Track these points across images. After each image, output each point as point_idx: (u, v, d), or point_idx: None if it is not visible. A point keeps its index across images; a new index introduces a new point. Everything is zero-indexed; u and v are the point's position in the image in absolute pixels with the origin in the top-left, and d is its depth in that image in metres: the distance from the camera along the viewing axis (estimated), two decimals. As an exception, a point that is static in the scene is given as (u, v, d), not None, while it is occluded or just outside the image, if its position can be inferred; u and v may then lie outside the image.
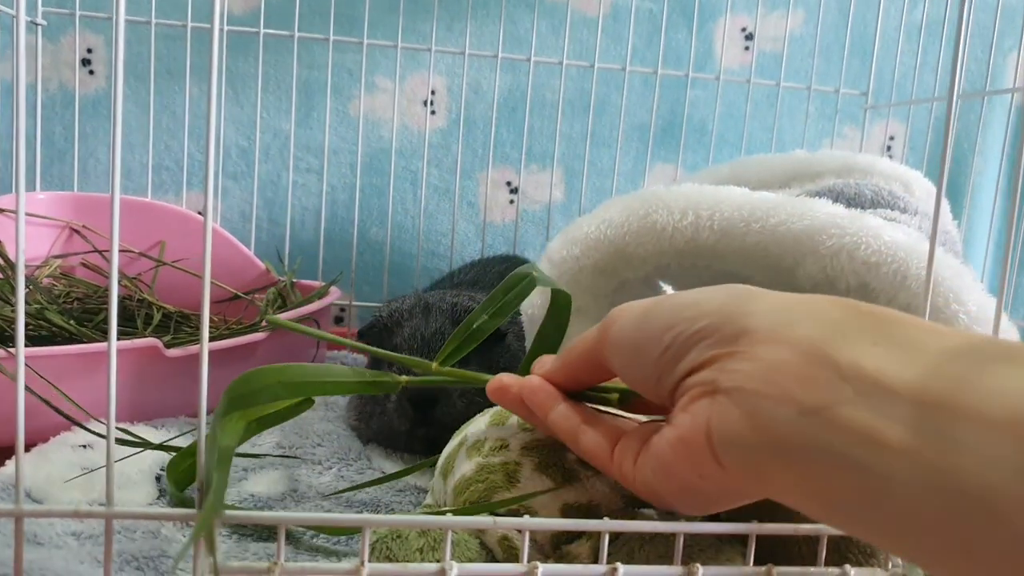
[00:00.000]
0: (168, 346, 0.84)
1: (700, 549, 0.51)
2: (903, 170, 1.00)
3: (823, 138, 1.37)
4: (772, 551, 0.54)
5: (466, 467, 0.59)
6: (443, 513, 0.53)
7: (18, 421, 0.41)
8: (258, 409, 0.61)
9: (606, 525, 0.47)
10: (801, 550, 0.53)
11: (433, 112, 1.34)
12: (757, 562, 0.48)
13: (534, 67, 1.26)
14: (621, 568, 0.45)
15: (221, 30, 1.17)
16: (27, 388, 0.61)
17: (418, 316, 0.84)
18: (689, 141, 1.36)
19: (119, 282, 1.07)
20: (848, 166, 1.01)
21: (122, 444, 0.63)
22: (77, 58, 1.23)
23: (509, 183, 1.37)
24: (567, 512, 0.56)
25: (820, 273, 0.69)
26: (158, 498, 0.68)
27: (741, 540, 0.52)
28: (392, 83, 1.30)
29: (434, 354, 0.73)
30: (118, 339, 0.83)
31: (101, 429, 0.73)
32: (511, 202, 1.37)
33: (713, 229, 0.73)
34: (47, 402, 0.67)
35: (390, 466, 0.79)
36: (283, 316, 0.95)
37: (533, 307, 0.82)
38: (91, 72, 1.27)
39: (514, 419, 0.61)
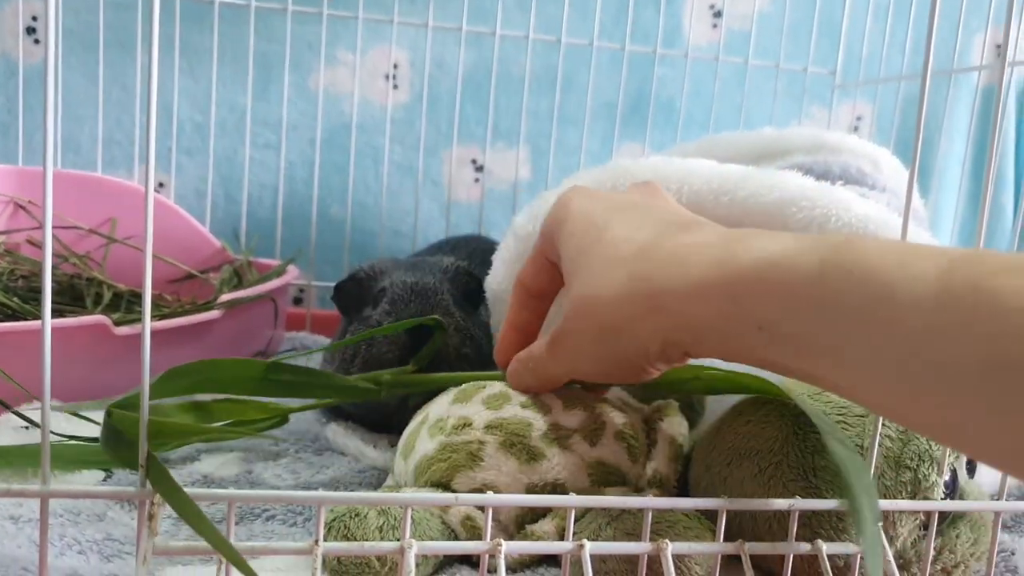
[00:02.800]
0: (118, 324, 0.80)
1: (668, 525, 0.49)
2: (872, 148, 1.00)
3: (791, 118, 1.37)
4: (741, 527, 0.53)
5: (428, 446, 0.57)
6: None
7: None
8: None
9: (572, 500, 0.45)
10: (771, 527, 0.52)
11: (396, 87, 1.30)
12: (727, 539, 0.46)
13: (500, 41, 1.23)
14: (588, 544, 0.43)
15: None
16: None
17: (404, 267, 0.80)
18: (657, 120, 1.35)
19: (67, 260, 1.03)
20: (817, 143, 1.00)
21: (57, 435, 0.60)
22: (21, 26, 1.17)
23: (474, 161, 1.34)
24: (532, 492, 0.54)
25: (790, 247, 0.67)
26: (105, 479, 0.65)
27: (711, 516, 0.50)
28: (353, 56, 1.26)
29: (424, 305, 0.71)
30: (66, 318, 0.80)
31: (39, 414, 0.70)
32: (476, 180, 1.34)
33: (681, 202, 0.71)
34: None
35: (351, 444, 0.77)
36: (239, 294, 0.92)
37: (497, 283, 0.80)
38: (36, 41, 1.22)
39: (478, 397, 0.59)
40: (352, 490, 0.66)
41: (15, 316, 0.80)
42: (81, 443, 0.61)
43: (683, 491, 0.59)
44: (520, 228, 0.78)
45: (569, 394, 0.59)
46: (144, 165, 1.22)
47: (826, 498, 0.49)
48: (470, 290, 0.83)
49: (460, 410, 0.58)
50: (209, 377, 0.59)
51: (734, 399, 0.60)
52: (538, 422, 0.56)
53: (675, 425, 0.60)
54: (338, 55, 1.28)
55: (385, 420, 0.79)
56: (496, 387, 0.60)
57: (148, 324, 0.38)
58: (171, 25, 1.18)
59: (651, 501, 0.46)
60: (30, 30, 1.21)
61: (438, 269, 0.81)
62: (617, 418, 0.58)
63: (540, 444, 0.55)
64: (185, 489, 0.40)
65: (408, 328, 0.70)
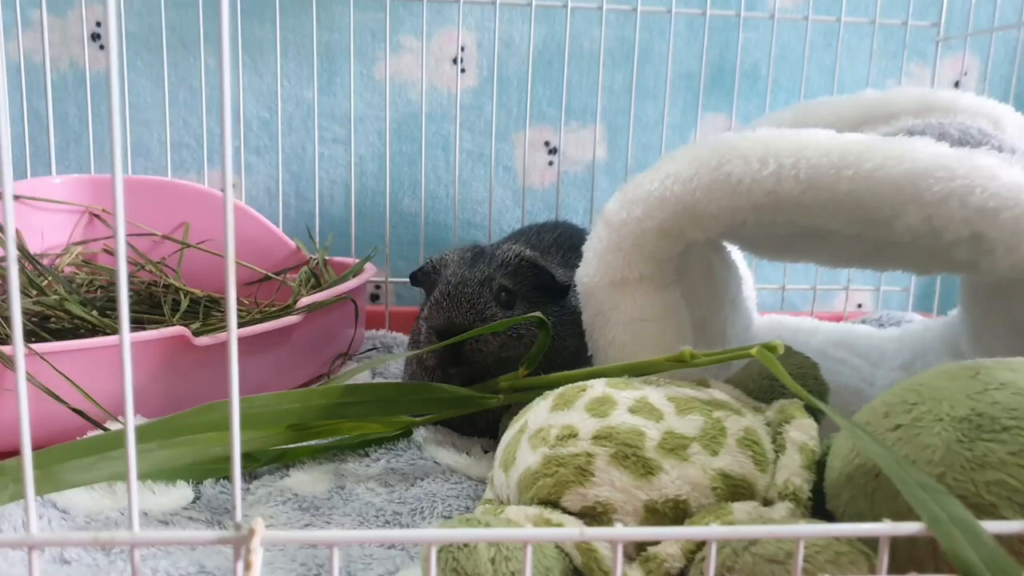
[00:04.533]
0: (197, 334, 0.77)
1: (817, 550, 0.43)
2: (990, 105, 0.90)
3: (887, 77, 1.27)
4: (896, 550, 0.46)
5: (531, 459, 0.52)
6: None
7: (22, 434, 0.35)
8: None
9: (714, 532, 0.39)
10: (936, 551, 0.45)
11: (463, 70, 1.25)
12: (892, 570, 0.40)
13: (571, 14, 1.16)
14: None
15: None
16: (43, 388, 0.54)
17: (462, 262, 0.79)
18: (742, 88, 1.26)
19: (143, 267, 1.02)
20: (926, 104, 0.91)
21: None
22: (86, 32, 1.16)
23: (547, 143, 1.28)
24: (651, 510, 0.49)
25: (924, 224, 0.60)
26: (194, 501, 0.62)
27: (870, 544, 0.44)
28: (418, 41, 1.21)
29: (455, 311, 0.73)
30: (144, 327, 0.78)
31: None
32: (550, 164, 1.28)
33: (798, 179, 0.64)
34: (61, 400, 0.61)
35: (444, 454, 0.73)
36: (318, 296, 0.88)
37: (589, 276, 0.74)
38: (102, 47, 1.20)
39: (580, 402, 0.54)
40: (450, 505, 0.62)
41: (95, 330, 0.78)
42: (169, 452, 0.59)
43: (818, 502, 0.52)
44: (613, 216, 0.73)
45: (681, 394, 0.54)
46: (215, 169, 1.21)
47: (1005, 518, 0.42)
48: (541, 283, 0.78)
49: (562, 418, 0.53)
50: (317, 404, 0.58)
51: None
52: (651, 430, 0.51)
53: (805, 428, 0.53)
54: (403, 41, 1.23)
55: (473, 422, 0.75)
56: (598, 389, 0.55)
57: (235, 368, 0.34)
58: (232, 20, 1.15)
59: (802, 529, 0.40)
60: (95, 36, 1.20)
61: (497, 264, 0.77)
62: (738, 422, 0.52)
63: (656, 456, 0.49)
64: (287, 533, 0.35)
65: (439, 336, 0.72)
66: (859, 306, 1.38)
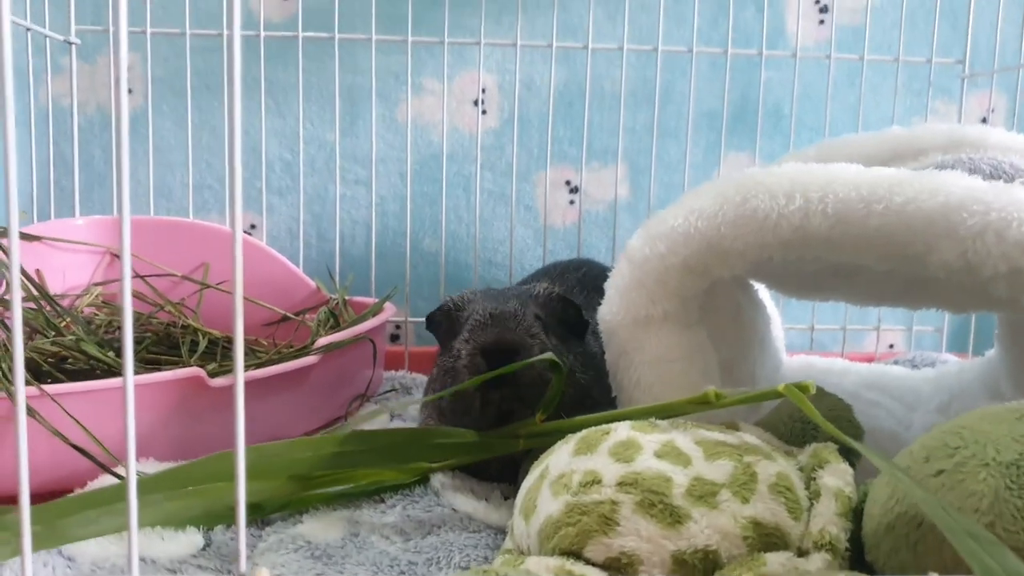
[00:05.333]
0: (213, 375, 0.76)
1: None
2: (1022, 139, 0.88)
3: (912, 115, 1.25)
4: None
5: (552, 507, 0.50)
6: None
7: (21, 483, 0.33)
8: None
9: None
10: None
11: (484, 112, 1.26)
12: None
13: (591, 56, 1.16)
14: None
15: (238, 35, 1.11)
16: (52, 429, 0.53)
17: (491, 296, 0.76)
18: (764, 127, 1.25)
19: (163, 308, 1.01)
20: (955, 140, 0.90)
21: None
22: (112, 77, 1.18)
23: (568, 182, 1.28)
24: (680, 561, 0.46)
25: (958, 259, 0.58)
26: (204, 548, 0.61)
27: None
28: (440, 83, 1.22)
29: (502, 328, 0.68)
30: (161, 368, 0.77)
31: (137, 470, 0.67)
32: (572, 203, 1.28)
33: (826, 214, 0.62)
34: (72, 444, 0.60)
35: (461, 500, 0.70)
36: (336, 336, 0.87)
37: (612, 313, 0.72)
38: (129, 91, 1.22)
39: (603, 446, 0.52)
40: (468, 555, 0.60)
41: (111, 372, 0.77)
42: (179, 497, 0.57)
43: (856, 553, 0.49)
44: (635, 252, 0.71)
45: (709, 438, 0.51)
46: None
47: (1063, 572, 0.39)
48: (567, 318, 0.77)
49: (585, 463, 0.51)
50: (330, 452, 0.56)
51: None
52: (678, 476, 0.48)
53: (840, 473, 0.51)
54: (424, 83, 1.24)
55: (492, 466, 0.73)
56: (622, 432, 0.53)
57: (241, 381, 0.32)
58: (256, 64, 1.16)
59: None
60: (122, 81, 1.21)
61: (527, 296, 0.75)
62: (769, 467, 0.50)
63: (684, 503, 0.47)
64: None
65: (485, 353, 0.67)
66: (890, 346, 1.34)
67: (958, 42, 1.20)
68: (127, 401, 0.35)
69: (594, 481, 0.49)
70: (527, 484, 0.55)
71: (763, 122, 1.24)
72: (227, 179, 1.22)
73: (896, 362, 1.17)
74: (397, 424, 0.97)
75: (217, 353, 0.93)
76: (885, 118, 1.21)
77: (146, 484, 0.58)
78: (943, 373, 1.03)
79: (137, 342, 0.93)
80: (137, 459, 0.72)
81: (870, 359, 1.21)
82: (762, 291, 0.95)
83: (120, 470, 0.67)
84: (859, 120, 1.20)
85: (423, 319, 1.22)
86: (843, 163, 0.66)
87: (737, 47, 1.18)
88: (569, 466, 0.52)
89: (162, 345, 0.95)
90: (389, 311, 1.05)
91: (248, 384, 0.78)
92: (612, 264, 1.11)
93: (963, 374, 1.00)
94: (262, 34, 1.15)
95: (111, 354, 0.78)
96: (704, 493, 0.48)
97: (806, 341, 1.28)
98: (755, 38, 1.22)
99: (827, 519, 0.48)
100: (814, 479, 0.51)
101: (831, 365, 1.08)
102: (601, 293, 0.75)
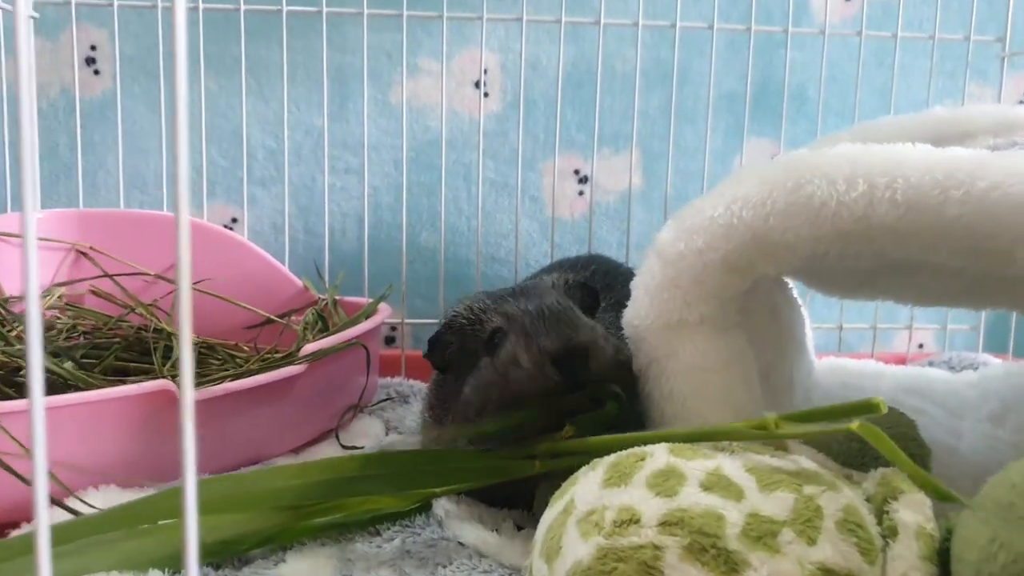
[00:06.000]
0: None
1: None
2: (1080, 122, 0.80)
3: (945, 97, 1.18)
4: None
5: (581, 551, 0.42)
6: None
7: None
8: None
9: None
10: None
11: (486, 94, 1.17)
12: None
13: (603, 32, 1.08)
14: None
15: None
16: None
17: (511, 297, 0.65)
18: (789, 111, 1.18)
19: (133, 310, 0.92)
20: (1005, 122, 0.82)
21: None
22: (77, 57, 1.07)
23: (577, 171, 1.20)
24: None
25: (1051, 254, 0.50)
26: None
27: None
28: (438, 63, 1.13)
29: (567, 325, 0.60)
30: (128, 377, 0.68)
31: (96, 499, 0.58)
32: (581, 194, 1.20)
33: (895, 201, 0.55)
34: (13, 471, 0.50)
35: (469, 531, 0.61)
36: (325, 343, 0.78)
37: (640, 318, 0.64)
38: (96, 72, 1.12)
39: (640, 476, 0.43)
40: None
41: (69, 385, 0.67)
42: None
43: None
44: (668, 248, 0.62)
45: (761, 464, 0.43)
46: (217, 201, 1.11)
47: None
48: (586, 306, 0.68)
49: (619, 496, 0.43)
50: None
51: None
52: (731, 513, 0.41)
53: (917, 506, 0.44)
54: (420, 63, 1.15)
55: (500, 489, 0.63)
56: (660, 458, 0.45)
57: (191, 398, 0.23)
58: (236, 41, 1.06)
59: None
60: (89, 60, 1.11)
61: (547, 289, 0.66)
62: (835, 499, 0.42)
63: (740, 546, 0.40)
64: None
65: (556, 355, 0.58)
66: (920, 346, 1.26)
67: (997, 19, 1.12)
68: (35, 434, 0.26)
69: (631, 520, 0.41)
70: (548, 519, 0.47)
71: (788, 105, 1.16)
72: (204, 168, 1.12)
73: (931, 363, 1.10)
74: (393, 437, 0.88)
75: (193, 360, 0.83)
76: (917, 102, 1.13)
77: (101, 521, 0.49)
78: (987, 376, 0.95)
79: (104, 348, 0.84)
80: (96, 486, 0.63)
81: (902, 360, 1.13)
82: (795, 293, 0.87)
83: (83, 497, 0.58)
84: (891, 104, 1.12)
85: (421, 320, 1.15)
86: (908, 143, 0.58)
87: (760, 24, 1.10)
88: (600, 500, 0.43)
89: (132, 351, 0.86)
90: (384, 312, 0.97)
91: (226, 398, 0.69)
92: (624, 260, 1.03)
93: (1011, 379, 0.92)
94: (242, 7, 1.06)
95: (68, 365, 0.68)
96: (763, 533, 0.40)
97: (832, 341, 1.20)
98: (779, 14, 1.14)
99: (909, 563, 0.41)
100: (886, 512, 0.43)
101: (863, 368, 1.01)
102: (612, 292, 0.66)
